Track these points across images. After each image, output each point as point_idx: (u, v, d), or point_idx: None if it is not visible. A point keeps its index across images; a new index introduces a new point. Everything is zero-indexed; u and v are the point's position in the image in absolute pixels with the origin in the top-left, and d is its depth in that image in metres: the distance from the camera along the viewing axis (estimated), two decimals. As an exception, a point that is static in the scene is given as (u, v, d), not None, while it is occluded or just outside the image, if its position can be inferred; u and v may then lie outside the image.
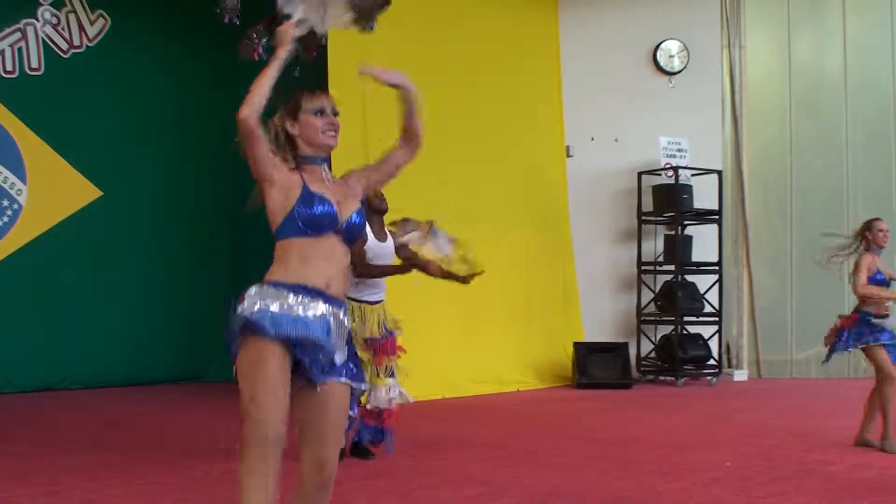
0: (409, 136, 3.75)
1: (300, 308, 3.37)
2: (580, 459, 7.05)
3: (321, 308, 3.41)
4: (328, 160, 3.66)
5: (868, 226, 7.47)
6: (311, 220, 3.43)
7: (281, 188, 3.46)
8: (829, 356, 7.73)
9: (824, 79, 13.65)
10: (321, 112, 3.55)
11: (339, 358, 3.45)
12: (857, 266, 7.41)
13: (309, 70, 10.53)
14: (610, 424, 8.97)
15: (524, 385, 11.63)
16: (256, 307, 3.34)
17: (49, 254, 11.14)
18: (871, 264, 7.34)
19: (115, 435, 8.06)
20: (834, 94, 13.54)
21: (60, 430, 8.31)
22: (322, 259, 3.46)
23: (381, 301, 6.84)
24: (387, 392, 6.70)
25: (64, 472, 6.38)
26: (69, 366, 11.12)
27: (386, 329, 6.76)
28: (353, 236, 3.56)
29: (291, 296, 3.38)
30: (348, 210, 3.54)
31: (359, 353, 3.57)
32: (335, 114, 3.59)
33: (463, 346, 11.12)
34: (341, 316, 3.50)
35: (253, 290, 3.41)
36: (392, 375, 6.79)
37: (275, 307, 3.34)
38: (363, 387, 3.69)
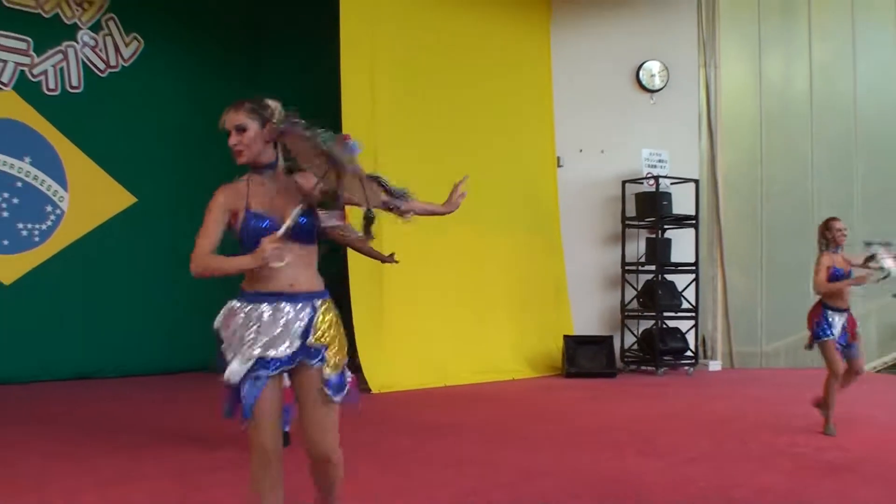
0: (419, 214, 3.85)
1: (257, 333, 3.45)
2: (569, 442, 7.04)
3: (280, 318, 3.47)
4: (273, 166, 3.58)
5: (827, 225, 7.38)
6: (252, 236, 3.44)
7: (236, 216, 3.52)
8: (811, 345, 7.48)
9: (791, 98, 13.69)
10: (228, 134, 3.51)
11: (291, 348, 3.47)
12: (817, 266, 7.28)
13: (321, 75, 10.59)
14: (596, 410, 8.97)
15: (518, 374, 11.62)
16: (229, 351, 3.49)
17: (88, 254, 11.16)
18: (829, 264, 7.25)
19: (147, 419, 8.05)
20: (800, 112, 13.57)
21: (97, 415, 8.29)
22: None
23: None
24: None
25: (100, 453, 6.39)
26: (105, 356, 11.13)
27: None
28: (300, 236, 3.48)
29: (252, 323, 3.46)
30: (288, 214, 3.42)
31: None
32: (240, 131, 3.48)
33: (462, 338, 11.13)
34: (306, 309, 3.50)
35: (226, 314, 3.54)
36: None
37: (238, 357, 3.46)
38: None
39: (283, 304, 3.47)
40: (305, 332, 3.49)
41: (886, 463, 6.16)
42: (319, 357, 3.51)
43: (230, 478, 5.53)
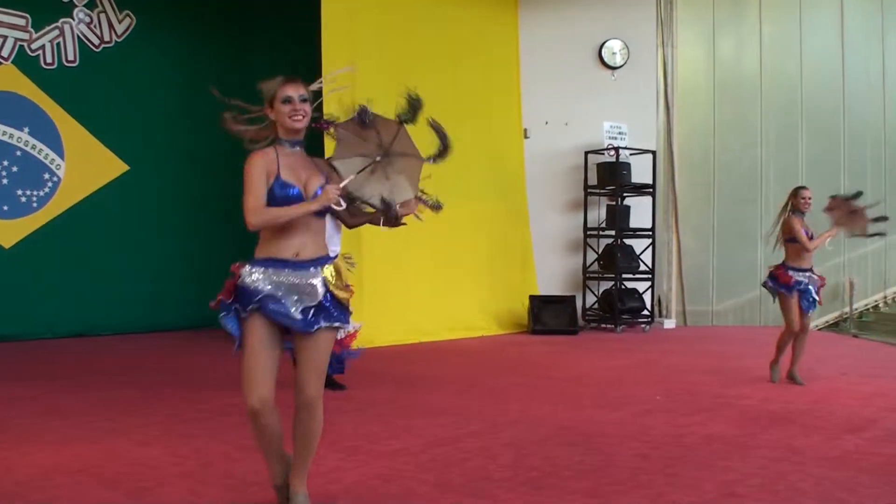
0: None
1: (265, 283, 3.45)
2: (534, 394, 7.03)
3: (283, 278, 3.46)
4: (302, 143, 3.62)
5: (795, 193, 7.51)
6: (280, 202, 3.45)
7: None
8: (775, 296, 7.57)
9: (743, 74, 13.66)
10: (288, 101, 3.51)
11: (300, 313, 3.45)
12: (791, 230, 7.37)
13: (299, 64, 10.44)
14: (559, 365, 8.97)
15: (488, 331, 11.62)
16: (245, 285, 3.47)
17: (83, 219, 11.05)
18: (801, 226, 7.36)
19: (138, 374, 7.96)
20: (751, 87, 13.56)
21: (90, 371, 8.19)
22: (293, 231, 3.48)
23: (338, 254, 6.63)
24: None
25: (94, 405, 6.30)
26: (99, 315, 11.05)
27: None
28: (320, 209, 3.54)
29: (261, 273, 3.46)
30: (313, 187, 3.53)
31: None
32: (303, 101, 3.53)
33: (436, 297, 11.10)
34: (308, 279, 3.48)
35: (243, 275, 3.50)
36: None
37: (251, 283, 3.46)
38: (347, 324, 3.64)
39: (288, 270, 3.46)
40: (324, 296, 3.50)
41: (824, 415, 6.17)
42: (337, 318, 3.54)
43: (214, 427, 5.48)
